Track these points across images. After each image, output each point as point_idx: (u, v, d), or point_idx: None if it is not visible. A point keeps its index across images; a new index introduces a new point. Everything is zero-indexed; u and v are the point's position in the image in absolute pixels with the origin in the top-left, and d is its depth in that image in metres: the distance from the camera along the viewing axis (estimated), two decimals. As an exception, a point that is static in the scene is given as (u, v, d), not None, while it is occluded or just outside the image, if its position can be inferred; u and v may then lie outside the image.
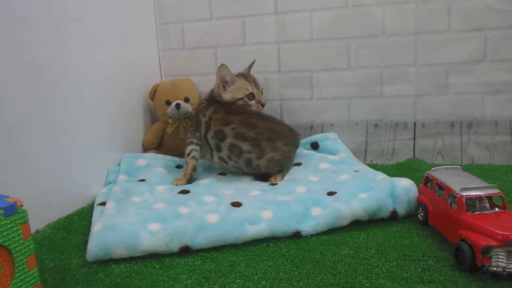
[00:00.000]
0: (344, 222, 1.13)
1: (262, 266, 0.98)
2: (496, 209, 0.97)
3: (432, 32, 1.67)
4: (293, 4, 1.78)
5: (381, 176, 1.35)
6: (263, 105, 1.57)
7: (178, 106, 1.76)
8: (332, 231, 1.12)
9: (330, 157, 1.60)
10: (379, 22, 1.71)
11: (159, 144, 1.85)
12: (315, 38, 1.78)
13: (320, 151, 1.66)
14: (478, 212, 0.96)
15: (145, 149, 1.84)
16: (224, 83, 1.55)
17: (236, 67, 1.84)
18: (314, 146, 1.69)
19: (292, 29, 1.80)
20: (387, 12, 1.70)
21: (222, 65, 1.53)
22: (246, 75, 1.62)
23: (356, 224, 1.15)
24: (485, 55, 1.65)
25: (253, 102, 1.55)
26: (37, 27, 1.25)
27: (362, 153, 1.75)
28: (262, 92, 1.61)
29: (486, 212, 0.96)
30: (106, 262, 1.02)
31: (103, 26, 1.59)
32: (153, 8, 1.95)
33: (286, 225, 1.11)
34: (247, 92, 1.54)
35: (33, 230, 1.15)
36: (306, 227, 1.11)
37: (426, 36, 1.68)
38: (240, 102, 1.55)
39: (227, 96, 1.55)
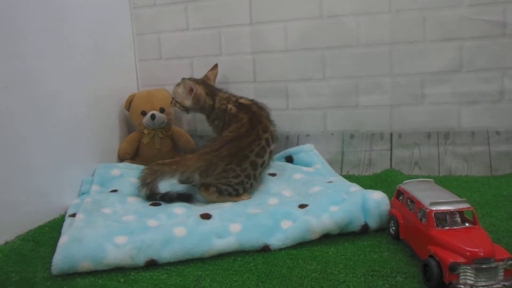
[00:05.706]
0: (314, 236, 1.11)
1: (227, 281, 0.96)
2: (467, 224, 0.95)
3: (407, 42, 1.66)
4: (268, 14, 1.77)
5: (354, 188, 1.33)
6: None
7: (153, 116, 1.76)
8: (302, 245, 1.09)
9: (305, 169, 1.57)
10: (353, 32, 1.70)
11: (134, 154, 1.84)
12: (290, 48, 1.76)
13: (295, 164, 1.64)
14: (448, 227, 0.93)
15: (121, 159, 1.83)
16: None
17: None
18: (289, 160, 1.67)
19: (267, 40, 1.79)
20: (361, 22, 1.68)
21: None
22: None
23: (327, 238, 1.12)
24: (461, 65, 1.63)
25: None
26: (11, 39, 1.26)
27: (339, 164, 1.73)
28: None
29: (456, 227, 0.93)
30: (72, 275, 1.02)
31: (79, 37, 1.59)
32: (130, 19, 1.95)
33: (255, 239, 1.09)
34: None
35: (2, 241, 1.19)
36: (275, 241, 1.09)
37: (401, 46, 1.66)
38: None
39: None
